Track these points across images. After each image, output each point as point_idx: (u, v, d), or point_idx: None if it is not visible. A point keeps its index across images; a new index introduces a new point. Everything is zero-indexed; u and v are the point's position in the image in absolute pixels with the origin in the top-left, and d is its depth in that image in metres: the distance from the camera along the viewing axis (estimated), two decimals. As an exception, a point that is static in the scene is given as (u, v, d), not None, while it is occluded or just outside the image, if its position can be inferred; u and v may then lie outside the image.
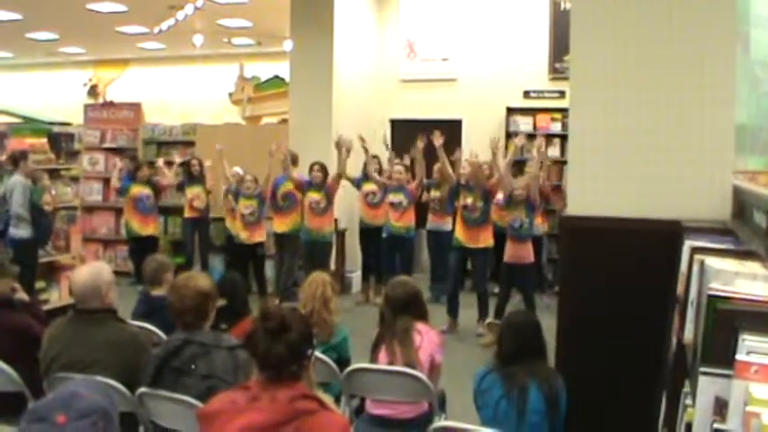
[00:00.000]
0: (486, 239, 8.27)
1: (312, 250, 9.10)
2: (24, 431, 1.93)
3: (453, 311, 8.32)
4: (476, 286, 8.41)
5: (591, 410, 3.86)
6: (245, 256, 9.33)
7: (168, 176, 10.59)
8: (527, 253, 7.89)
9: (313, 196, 9.10)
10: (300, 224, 9.40)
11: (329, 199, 9.10)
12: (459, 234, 8.34)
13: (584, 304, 4.12)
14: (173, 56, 17.09)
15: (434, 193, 9.40)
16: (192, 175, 10.54)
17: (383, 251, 9.27)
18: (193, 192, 10.51)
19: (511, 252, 7.95)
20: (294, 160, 9.66)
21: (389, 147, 10.42)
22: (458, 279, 8.39)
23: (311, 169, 9.16)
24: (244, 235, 9.37)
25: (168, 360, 3.43)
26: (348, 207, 10.68)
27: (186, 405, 3.23)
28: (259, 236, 9.47)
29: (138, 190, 10.33)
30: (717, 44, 3.91)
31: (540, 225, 9.41)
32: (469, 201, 8.22)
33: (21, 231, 8.02)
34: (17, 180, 8.05)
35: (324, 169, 9.13)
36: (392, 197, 9.18)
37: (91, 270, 3.89)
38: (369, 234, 9.73)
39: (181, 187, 10.69)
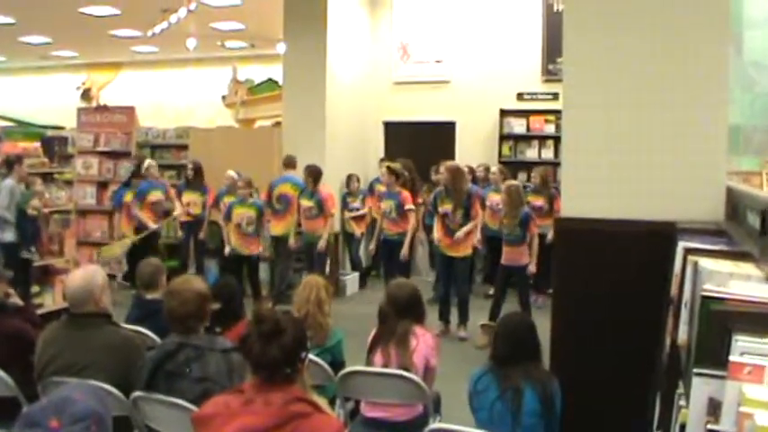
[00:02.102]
0: (465, 249, 8.20)
1: (309, 251, 9.10)
2: None
3: (445, 315, 8.30)
4: (456, 292, 8.36)
5: (585, 412, 3.86)
6: (240, 260, 9.28)
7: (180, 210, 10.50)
8: (521, 255, 7.89)
9: (305, 203, 9.11)
10: (294, 227, 9.40)
11: (320, 207, 9.08)
12: (440, 240, 8.27)
13: (578, 305, 4.12)
14: (166, 59, 17.08)
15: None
16: (189, 180, 10.50)
17: (380, 255, 9.18)
18: (190, 197, 10.47)
19: (506, 255, 7.97)
20: (292, 164, 9.65)
21: None
22: (447, 283, 8.35)
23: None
24: (238, 245, 9.17)
25: (162, 363, 3.42)
26: (342, 210, 10.71)
27: (181, 409, 3.22)
28: (255, 248, 9.21)
29: (133, 197, 10.28)
30: (710, 46, 3.93)
31: (548, 225, 9.34)
32: (448, 207, 8.12)
33: (5, 235, 8.02)
34: (7, 184, 8.05)
35: (312, 173, 9.09)
36: (383, 205, 9.03)
37: (85, 274, 3.87)
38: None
39: (178, 192, 10.64)
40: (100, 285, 3.84)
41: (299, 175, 9.46)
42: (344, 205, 10.65)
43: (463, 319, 8.23)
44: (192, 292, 3.56)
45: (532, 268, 8.00)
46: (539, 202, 9.48)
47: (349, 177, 10.78)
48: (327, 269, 9.46)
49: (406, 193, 8.98)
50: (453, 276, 8.28)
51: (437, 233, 8.31)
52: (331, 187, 9.65)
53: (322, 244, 9.15)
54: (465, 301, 8.26)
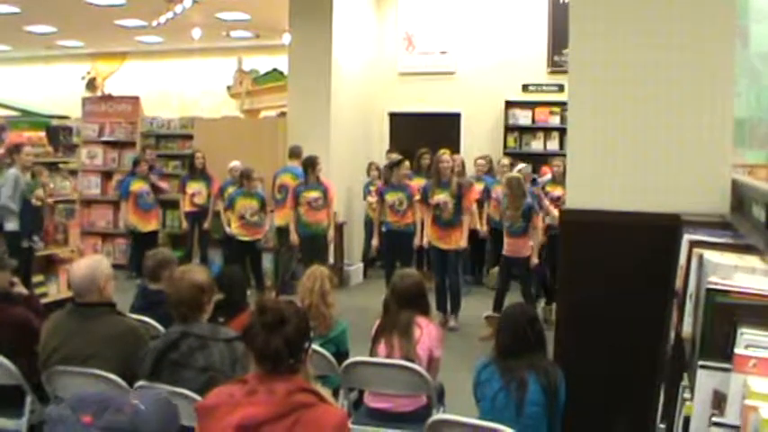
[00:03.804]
0: (457, 240, 8.14)
1: (310, 244, 9.05)
2: None
3: (442, 306, 8.30)
4: (449, 283, 8.34)
5: (589, 403, 3.86)
6: (243, 250, 9.30)
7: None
8: (523, 247, 7.88)
9: (311, 195, 9.00)
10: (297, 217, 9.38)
11: (326, 197, 9.03)
12: (430, 233, 8.22)
13: (582, 297, 4.12)
14: (171, 49, 17.04)
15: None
16: (194, 169, 10.50)
17: (383, 246, 9.17)
18: (194, 187, 10.47)
19: (508, 246, 7.96)
20: (297, 154, 9.63)
21: None
22: (442, 273, 8.35)
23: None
24: (239, 232, 9.31)
25: (166, 353, 3.43)
26: (346, 200, 10.70)
27: (184, 398, 3.23)
28: (259, 234, 9.42)
29: (139, 186, 10.30)
30: (716, 37, 3.91)
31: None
32: (441, 197, 8.08)
33: (9, 224, 8.05)
34: (11, 173, 8.07)
35: (313, 163, 9.03)
36: (390, 197, 8.88)
37: (89, 263, 3.89)
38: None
39: (182, 182, 10.65)
40: (105, 274, 3.85)
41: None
42: (367, 193, 10.60)
43: (454, 309, 8.27)
44: (188, 282, 3.57)
45: (535, 260, 7.99)
46: (557, 192, 9.41)
47: (369, 166, 10.81)
48: (332, 260, 9.45)
49: (414, 185, 8.98)
50: (447, 265, 8.30)
51: (426, 227, 8.29)
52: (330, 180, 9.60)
53: (332, 234, 9.15)
54: (456, 291, 8.30)
